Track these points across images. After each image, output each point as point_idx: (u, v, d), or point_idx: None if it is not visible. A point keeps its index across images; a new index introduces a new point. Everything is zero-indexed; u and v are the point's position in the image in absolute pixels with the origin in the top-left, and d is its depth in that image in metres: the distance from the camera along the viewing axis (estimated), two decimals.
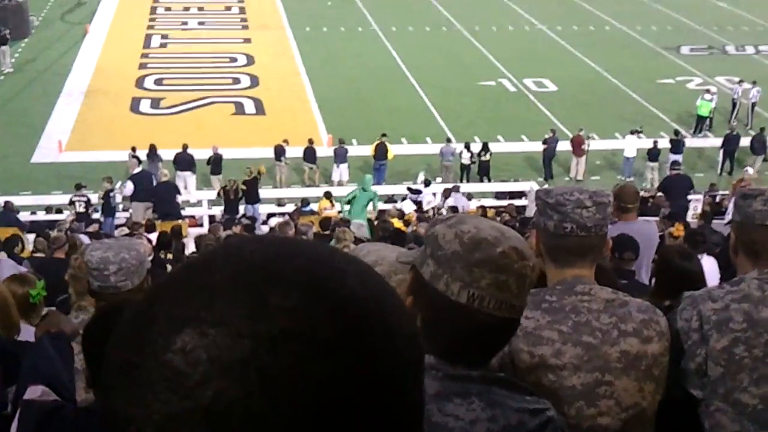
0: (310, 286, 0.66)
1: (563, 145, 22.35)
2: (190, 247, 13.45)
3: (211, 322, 0.63)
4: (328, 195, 17.65)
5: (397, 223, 14.28)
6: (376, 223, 14.65)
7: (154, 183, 17.22)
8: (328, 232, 12.57)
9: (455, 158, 21.62)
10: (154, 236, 12.07)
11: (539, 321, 2.18)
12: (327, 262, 0.69)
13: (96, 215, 17.12)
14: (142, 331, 0.66)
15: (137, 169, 17.96)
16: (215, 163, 20.46)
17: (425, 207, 17.71)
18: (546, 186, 19.64)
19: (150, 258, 3.52)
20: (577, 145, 22.13)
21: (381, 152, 21.32)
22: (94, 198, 17.24)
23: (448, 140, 22.38)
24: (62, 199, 17.97)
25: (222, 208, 17.80)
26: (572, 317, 2.19)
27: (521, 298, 1.56)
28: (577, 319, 2.19)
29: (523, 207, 18.47)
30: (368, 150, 21.67)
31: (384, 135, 21.54)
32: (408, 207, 17.75)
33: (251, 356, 0.62)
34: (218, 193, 17.63)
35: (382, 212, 16.81)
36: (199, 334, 0.63)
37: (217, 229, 13.39)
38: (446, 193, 18.08)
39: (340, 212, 16.82)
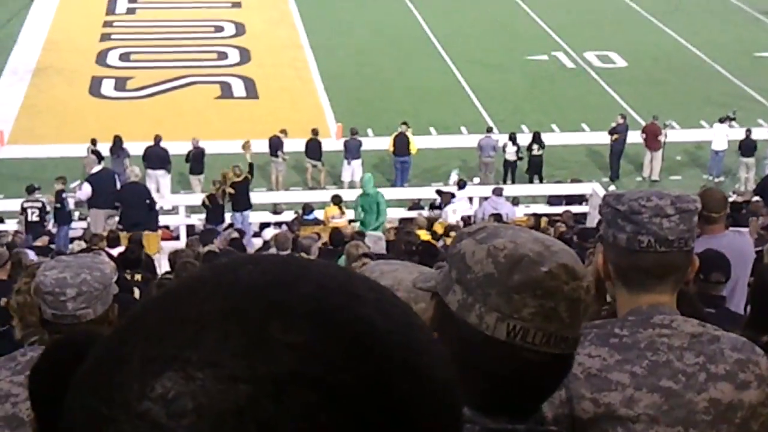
0: (321, 317, 0.66)
1: (634, 137, 22.31)
2: (163, 266, 13.49)
3: (198, 363, 0.64)
4: (336, 200, 17.70)
5: (425, 236, 14.30)
6: (392, 234, 14.67)
7: (119, 185, 17.30)
8: (338, 248, 12.59)
9: (497, 153, 21.66)
10: (119, 252, 12.16)
11: (606, 360, 2.18)
12: (341, 288, 0.69)
13: (49, 225, 17.24)
14: (111, 375, 0.66)
15: (97, 168, 18.01)
16: (195, 159, 20.62)
17: (456, 216, 17.70)
18: (613, 188, 19.72)
19: (114, 280, 3.53)
20: (652, 136, 22.08)
21: (401, 146, 21.39)
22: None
23: (489, 130, 22.47)
24: (3, 205, 18.14)
25: (203, 216, 17.87)
26: (648, 356, 2.19)
27: (574, 328, 1.56)
28: (655, 359, 2.19)
29: (583, 215, 18.42)
30: (387, 143, 21.74)
31: (404, 124, 21.60)
32: (455, 211, 17.68)
33: (249, 405, 0.62)
34: (202, 202, 17.63)
35: (406, 221, 16.85)
36: (183, 378, 0.64)
37: (197, 244, 13.45)
38: (488, 196, 18.08)
39: (352, 222, 16.85)
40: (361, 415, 0.64)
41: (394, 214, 18.10)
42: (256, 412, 0.62)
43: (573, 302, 1.54)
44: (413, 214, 18.15)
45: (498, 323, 1.53)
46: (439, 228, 16.12)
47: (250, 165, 18.35)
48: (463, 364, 1.54)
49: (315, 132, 21.73)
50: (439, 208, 18.36)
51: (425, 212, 18.38)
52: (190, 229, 17.59)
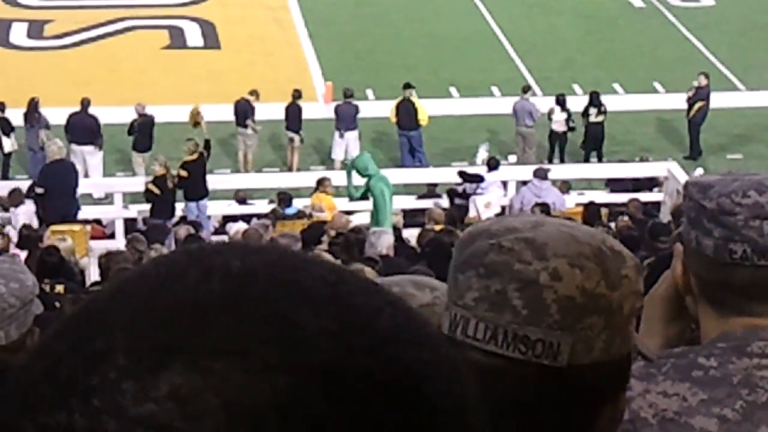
0: (346, 304, 0.72)
1: (723, 101, 22.26)
2: (93, 274, 13.48)
3: (213, 352, 0.67)
4: (323, 183, 17.71)
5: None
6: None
7: (41, 162, 17.31)
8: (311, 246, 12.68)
9: (539, 122, 21.64)
10: (32, 254, 12.18)
11: (687, 401, 2.18)
12: (348, 273, 0.77)
13: None
14: (78, 378, 0.68)
15: (7, 142, 18.04)
16: (142, 131, 20.53)
17: (490, 211, 17.67)
18: (700, 171, 19.64)
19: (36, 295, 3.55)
20: None
21: (406, 116, 21.28)
22: None
23: (526, 90, 22.31)
24: None
25: (147, 207, 17.86)
26: (743, 395, 2.19)
27: (543, 327, 1.56)
28: (752, 399, 2.19)
29: (656, 204, 18.40)
30: (390, 110, 21.64)
31: (409, 87, 21.46)
32: (489, 204, 17.62)
33: (293, 399, 0.66)
34: (146, 189, 17.53)
35: (419, 213, 16.82)
36: (197, 370, 0.67)
37: (140, 244, 13.46)
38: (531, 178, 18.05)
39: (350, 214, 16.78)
40: (408, 409, 0.70)
41: (400, 203, 17.99)
42: (304, 408, 0.66)
43: (529, 286, 1.55)
44: (426, 203, 18.09)
45: (445, 313, 1.60)
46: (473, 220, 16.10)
47: (207, 141, 18.28)
48: None
49: (297, 94, 21.69)
50: (465, 196, 18.25)
51: (444, 201, 18.33)
52: (130, 223, 17.58)
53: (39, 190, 16.74)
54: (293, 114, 21.53)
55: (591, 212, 16.31)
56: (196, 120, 18.93)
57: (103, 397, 0.66)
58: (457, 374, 0.76)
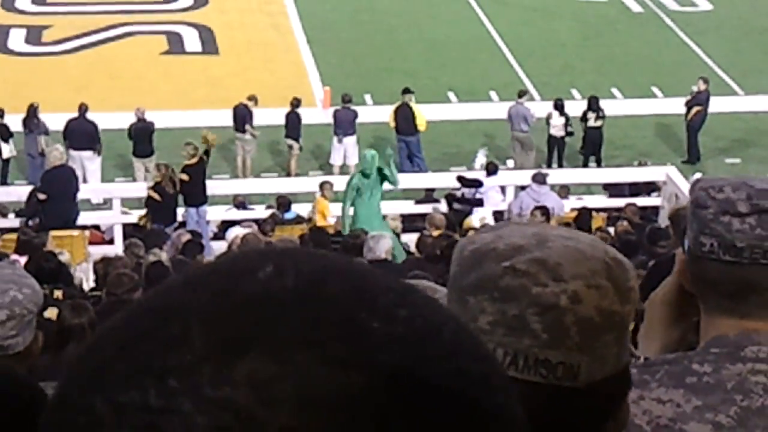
0: (407, 310, 0.76)
1: (721, 105, 22.25)
2: (90, 280, 13.44)
3: (288, 342, 0.70)
4: (325, 187, 17.72)
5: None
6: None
7: (43, 168, 17.27)
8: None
9: (538, 126, 21.63)
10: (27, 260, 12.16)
11: (681, 407, 2.18)
12: (400, 282, 0.80)
13: None
14: (153, 359, 0.70)
15: (5, 148, 18.04)
16: (140, 136, 20.51)
17: (482, 220, 17.65)
18: (699, 176, 19.59)
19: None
20: None
21: (405, 121, 21.28)
22: None
23: (521, 94, 22.24)
24: None
25: (146, 213, 17.83)
26: (737, 400, 2.19)
27: (563, 349, 1.56)
28: (746, 404, 2.19)
29: (655, 209, 18.41)
30: (389, 115, 21.61)
31: (407, 92, 21.48)
32: (485, 212, 17.62)
33: (364, 395, 0.69)
34: (148, 197, 17.44)
35: (417, 218, 16.80)
36: (274, 358, 0.69)
37: (138, 249, 13.44)
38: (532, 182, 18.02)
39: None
40: (466, 419, 0.73)
41: (399, 208, 18.00)
42: (374, 406, 0.69)
43: (549, 311, 1.55)
44: (424, 208, 18.07)
45: None
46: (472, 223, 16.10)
47: (206, 152, 18.12)
48: None
49: (295, 102, 21.63)
50: (467, 202, 18.18)
51: (442, 206, 18.30)
52: (129, 229, 17.55)
53: (41, 196, 16.73)
54: (292, 122, 21.51)
55: (583, 217, 16.25)
56: (207, 141, 18.63)
57: (180, 378, 0.69)
58: (509, 391, 0.79)
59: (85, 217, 17.85)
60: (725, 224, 2.22)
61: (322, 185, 17.86)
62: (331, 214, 17.26)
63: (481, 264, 1.58)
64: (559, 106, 21.71)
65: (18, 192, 18.28)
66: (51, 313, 7.81)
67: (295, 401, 0.67)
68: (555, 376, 1.56)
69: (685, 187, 17.08)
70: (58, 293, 10.35)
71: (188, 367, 0.69)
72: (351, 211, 15.84)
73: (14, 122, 20.09)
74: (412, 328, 0.74)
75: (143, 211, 17.47)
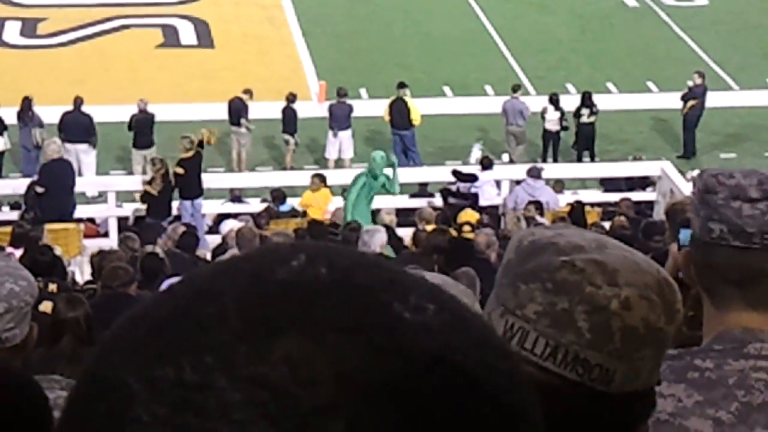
0: (443, 307, 0.77)
1: (716, 100, 22.26)
2: (86, 272, 13.45)
3: (325, 326, 0.71)
4: (319, 179, 17.75)
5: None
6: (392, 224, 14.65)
7: (38, 161, 17.25)
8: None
9: (533, 120, 21.63)
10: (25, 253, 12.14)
11: (682, 402, 2.18)
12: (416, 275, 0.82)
13: None
14: (191, 336, 0.71)
15: (0, 141, 18.02)
16: (140, 127, 20.47)
17: (482, 204, 17.69)
18: (694, 173, 19.60)
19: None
20: None
21: (399, 116, 21.29)
22: None
23: (515, 89, 22.27)
24: None
25: (139, 206, 17.84)
26: (739, 396, 2.19)
27: (604, 353, 1.57)
28: (747, 400, 2.19)
29: (650, 204, 18.41)
30: (384, 109, 21.65)
31: (402, 86, 21.50)
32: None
33: (400, 380, 0.70)
34: (144, 192, 17.44)
35: (411, 212, 16.80)
36: (312, 340, 0.70)
37: (133, 241, 13.45)
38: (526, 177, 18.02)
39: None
40: (490, 405, 0.75)
41: (394, 202, 18.00)
42: (412, 391, 0.70)
43: (598, 312, 1.56)
44: (419, 203, 18.08)
45: (499, 320, 1.59)
46: (468, 217, 16.05)
47: (200, 141, 18.12)
48: None
49: (291, 97, 21.61)
50: (462, 196, 18.17)
51: (437, 200, 18.31)
52: (123, 222, 17.57)
53: (39, 189, 16.74)
54: (288, 117, 21.51)
55: (576, 211, 16.25)
56: (206, 140, 18.60)
57: (217, 355, 0.69)
58: (531, 391, 0.80)
59: (80, 210, 17.85)
60: (735, 209, 2.22)
61: (312, 178, 17.94)
62: (317, 206, 17.31)
63: (539, 255, 1.60)
64: (554, 101, 21.74)
65: (12, 185, 18.28)
66: (46, 306, 7.83)
67: (332, 382, 0.68)
68: (590, 377, 1.57)
69: (680, 181, 17.11)
70: (52, 286, 10.36)
71: (225, 345, 0.70)
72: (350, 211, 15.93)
73: (9, 115, 20.07)
74: (442, 320, 0.75)
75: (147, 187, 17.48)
